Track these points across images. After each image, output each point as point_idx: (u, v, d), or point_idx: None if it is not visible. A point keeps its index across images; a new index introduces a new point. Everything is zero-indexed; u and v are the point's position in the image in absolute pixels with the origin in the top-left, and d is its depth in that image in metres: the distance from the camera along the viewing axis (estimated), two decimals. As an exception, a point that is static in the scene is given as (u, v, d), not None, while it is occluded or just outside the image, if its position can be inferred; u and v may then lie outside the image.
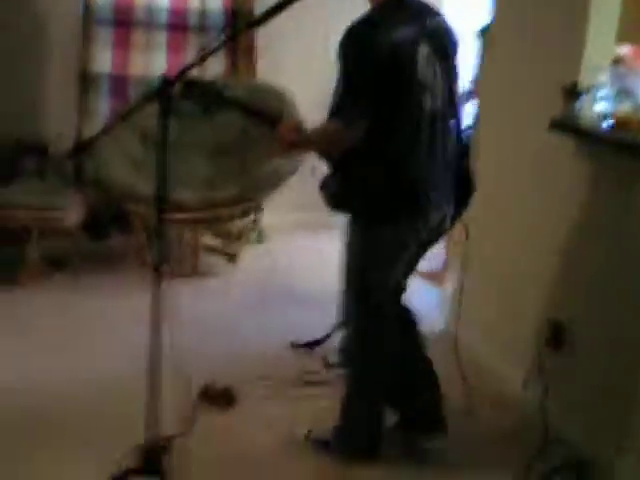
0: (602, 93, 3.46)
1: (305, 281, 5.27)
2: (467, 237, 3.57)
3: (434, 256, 5.37)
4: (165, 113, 2.81)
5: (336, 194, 3.15)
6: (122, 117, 3.01)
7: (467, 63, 5.44)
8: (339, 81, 2.95)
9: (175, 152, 5.32)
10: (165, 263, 3.03)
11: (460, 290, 4.34)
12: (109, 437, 3.39)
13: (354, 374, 3.42)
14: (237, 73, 5.89)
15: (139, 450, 3.07)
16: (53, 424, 3.55)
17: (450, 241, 5.34)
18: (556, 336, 3.69)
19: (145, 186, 5.02)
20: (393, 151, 3.03)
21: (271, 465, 3.39)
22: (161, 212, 2.95)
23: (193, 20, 5.82)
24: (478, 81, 5.19)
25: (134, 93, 5.72)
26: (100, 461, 3.19)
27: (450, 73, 3.15)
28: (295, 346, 4.37)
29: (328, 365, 4.12)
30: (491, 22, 4.43)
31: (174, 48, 5.82)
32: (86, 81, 5.70)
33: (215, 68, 5.69)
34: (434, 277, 5.42)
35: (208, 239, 5.57)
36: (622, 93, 3.46)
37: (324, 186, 3.18)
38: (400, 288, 3.43)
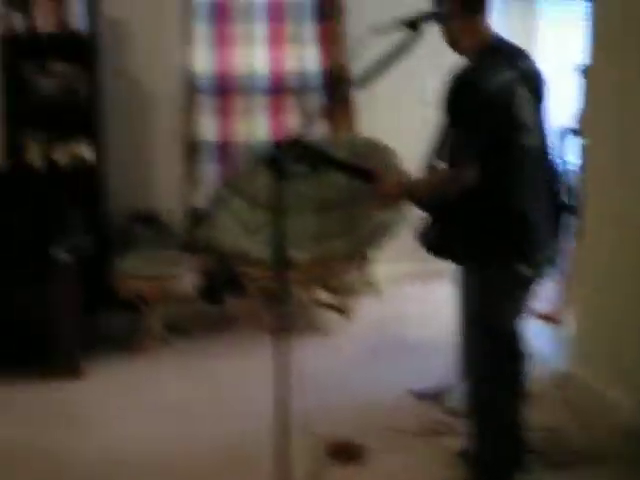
0: None
1: (419, 330, 5.28)
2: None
3: (549, 295, 5.38)
4: (279, 178, 2.89)
5: (441, 240, 3.22)
6: (238, 188, 3.10)
7: (564, 99, 5.44)
8: (449, 127, 3.03)
9: (284, 213, 5.48)
10: (287, 323, 3.08)
11: (577, 328, 4.32)
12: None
13: (484, 420, 3.42)
14: (337, 129, 5.99)
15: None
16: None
17: (565, 279, 5.31)
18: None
19: (256, 249, 5.15)
20: (501, 191, 3.09)
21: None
22: (280, 274, 3.01)
23: (292, 83, 5.96)
24: (581, 117, 5.18)
25: (239, 159, 5.87)
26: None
27: (541, 112, 3.24)
28: (416, 395, 4.37)
29: (452, 413, 4.11)
30: (590, 57, 4.42)
31: (275, 111, 5.96)
32: (192, 150, 5.88)
33: (315, 126, 5.78)
34: (550, 317, 5.38)
35: (320, 295, 5.63)
36: None
37: (424, 236, 3.25)
38: (515, 327, 3.43)
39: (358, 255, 5.26)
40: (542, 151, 3.23)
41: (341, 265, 5.25)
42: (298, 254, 5.05)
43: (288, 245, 5.01)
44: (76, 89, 5.43)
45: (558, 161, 5.68)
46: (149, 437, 4.06)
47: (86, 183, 5.47)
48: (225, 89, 5.88)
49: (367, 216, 5.21)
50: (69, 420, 4.24)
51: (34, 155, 5.41)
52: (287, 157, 3.03)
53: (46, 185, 5.26)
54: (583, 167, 4.85)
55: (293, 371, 3.11)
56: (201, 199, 5.80)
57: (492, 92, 3.00)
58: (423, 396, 4.35)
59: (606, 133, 4.26)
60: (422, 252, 3.35)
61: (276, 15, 5.86)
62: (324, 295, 5.70)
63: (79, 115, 5.46)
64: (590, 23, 4.32)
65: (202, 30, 5.77)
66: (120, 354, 5.01)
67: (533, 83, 3.21)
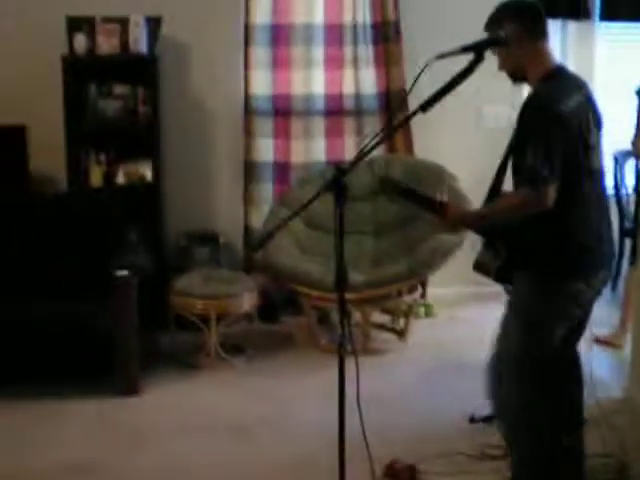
0: None
1: (475, 353, 5.22)
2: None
3: (609, 319, 5.34)
4: (340, 202, 2.91)
5: (504, 264, 3.23)
6: (299, 210, 3.12)
7: (622, 122, 5.42)
8: (524, 149, 3.04)
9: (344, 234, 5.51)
10: (346, 343, 3.10)
11: (633, 353, 4.27)
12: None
13: (530, 450, 3.38)
14: (395, 151, 6.01)
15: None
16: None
17: (626, 303, 5.27)
18: None
19: (313, 269, 5.18)
20: (570, 212, 3.12)
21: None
22: (341, 296, 3.03)
23: (349, 104, 5.99)
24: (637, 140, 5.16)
25: (295, 178, 5.92)
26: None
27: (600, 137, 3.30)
28: (473, 420, 4.35)
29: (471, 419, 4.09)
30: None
31: (332, 133, 6.00)
32: (250, 170, 5.94)
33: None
34: (609, 341, 5.33)
35: (377, 316, 5.64)
36: None
37: (484, 263, 3.27)
38: (569, 350, 3.46)
39: (415, 278, 5.26)
40: (603, 172, 3.29)
41: (397, 287, 5.25)
42: (356, 276, 5.08)
43: (347, 267, 5.05)
44: (137, 110, 5.52)
45: (616, 184, 5.67)
46: (205, 455, 4.10)
47: (146, 203, 5.55)
48: (283, 111, 5.92)
49: (424, 239, 5.22)
50: (126, 436, 4.30)
51: (95, 175, 5.50)
52: (378, 189, 3.09)
53: (107, 205, 5.32)
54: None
55: (349, 392, 3.12)
56: (258, 219, 5.85)
57: (568, 115, 3.06)
58: (478, 420, 4.34)
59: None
60: (477, 275, 3.38)
61: (334, 38, 5.90)
62: (381, 317, 5.71)
63: (140, 136, 5.55)
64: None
65: (261, 53, 5.83)
66: (178, 372, 5.07)
67: (594, 107, 3.26)
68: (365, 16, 5.89)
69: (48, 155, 5.51)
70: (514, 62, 3.21)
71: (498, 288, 3.45)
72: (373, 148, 3.01)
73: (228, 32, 5.81)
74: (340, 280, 3.00)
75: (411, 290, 5.48)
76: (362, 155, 2.99)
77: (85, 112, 5.48)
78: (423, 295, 5.82)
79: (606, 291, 5.45)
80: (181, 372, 5.07)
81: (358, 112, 5.99)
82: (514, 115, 3.25)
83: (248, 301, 5.20)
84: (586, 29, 6.63)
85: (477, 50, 3.03)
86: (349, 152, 5.93)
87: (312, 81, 5.93)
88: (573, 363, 3.52)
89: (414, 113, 2.93)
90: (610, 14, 6.58)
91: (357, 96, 5.98)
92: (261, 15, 5.78)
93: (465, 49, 3.04)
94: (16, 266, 5.02)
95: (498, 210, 3.19)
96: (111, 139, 5.55)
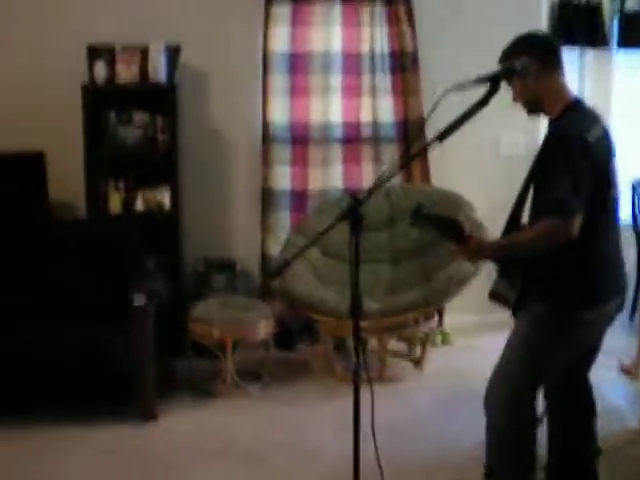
0: None
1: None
2: None
3: (627, 348, 5.32)
4: (356, 231, 2.93)
5: (523, 294, 3.24)
6: (316, 239, 3.15)
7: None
8: (551, 179, 3.05)
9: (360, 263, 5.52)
10: (362, 372, 3.11)
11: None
12: None
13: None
14: (412, 180, 6.03)
15: None
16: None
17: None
18: None
19: (329, 297, 5.19)
20: (589, 243, 3.12)
21: None
22: (357, 324, 3.04)
23: (366, 132, 6.02)
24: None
25: (312, 206, 5.94)
26: None
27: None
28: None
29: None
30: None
31: (349, 161, 6.03)
32: (268, 198, 5.97)
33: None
34: (629, 370, 5.31)
35: (393, 344, 5.63)
36: None
37: (500, 292, 3.29)
38: (580, 379, 3.50)
39: (431, 305, 5.26)
40: (617, 203, 3.31)
41: (414, 315, 5.25)
42: (371, 304, 5.09)
43: (363, 295, 5.06)
44: (156, 138, 5.56)
45: (634, 213, 5.66)
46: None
47: (164, 229, 5.58)
48: (301, 138, 5.96)
49: (441, 267, 5.22)
50: (142, 462, 4.31)
51: (114, 202, 5.54)
52: (408, 222, 3.10)
53: (125, 231, 5.36)
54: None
55: (365, 420, 3.12)
56: (275, 247, 5.87)
57: (594, 145, 3.09)
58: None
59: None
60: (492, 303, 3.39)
61: (352, 66, 5.94)
62: (397, 345, 5.70)
63: (158, 163, 5.60)
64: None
65: (279, 80, 5.87)
66: (195, 398, 5.08)
67: (609, 139, 3.28)
68: (383, 46, 5.93)
69: (67, 182, 5.57)
70: (529, 94, 3.23)
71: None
72: (389, 178, 3.03)
73: (246, 60, 5.86)
74: (355, 308, 3.00)
75: (428, 318, 5.48)
76: (378, 185, 3.02)
77: (104, 139, 5.53)
78: (440, 323, 5.82)
79: (625, 321, 5.48)
80: (197, 399, 5.08)
81: (376, 140, 6.02)
82: (532, 143, 3.28)
83: (264, 328, 5.21)
84: (604, 57, 6.66)
85: (492, 81, 3.05)
86: (366, 180, 5.95)
87: (330, 109, 5.96)
88: (584, 391, 3.52)
89: (430, 143, 2.95)
90: (628, 41, 6.61)
91: (375, 124, 6.01)
92: (279, 43, 5.83)
93: (481, 80, 3.06)
94: (34, 292, 5.04)
95: (520, 241, 3.17)
96: (130, 166, 5.60)
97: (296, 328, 5.86)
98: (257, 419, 4.84)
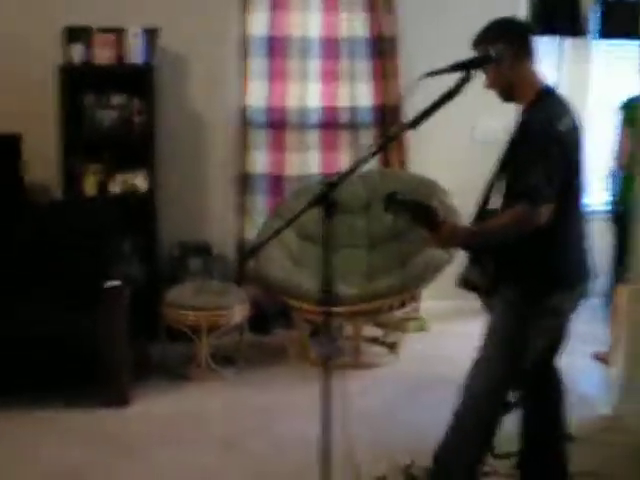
0: None
1: (466, 368, 5.24)
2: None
3: (602, 335, 5.35)
4: (329, 215, 2.92)
5: (490, 279, 3.27)
6: (289, 222, 3.13)
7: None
8: (523, 167, 3.07)
9: (334, 248, 5.51)
10: (332, 357, 3.11)
11: (623, 371, 4.28)
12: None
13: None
14: (388, 165, 6.03)
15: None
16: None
17: (614, 320, 5.28)
18: None
19: (305, 282, 5.19)
20: (559, 230, 3.15)
21: None
22: (327, 310, 3.04)
23: (344, 117, 6.01)
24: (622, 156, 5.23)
25: (290, 190, 5.93)
26: None
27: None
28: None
29: (495, 455, 4.07)
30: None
31: (327, 146, 6.02)
32: (245, 182, 5.95)
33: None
34: (602, 358, 5.35)
35: (369, 330, 5.64)
36: None
37: (470, 279, 3.31)
38: (548, 365, 3.52)
39: (406, 291, 5.27)
40: (583, 191, 3.32)
41: (390, 301, 5.26)
42: (348, 289, 5.09)
43: (339, 280, 5.07)
44: (133, 121, 5.54)
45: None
46: (193, 466, 4.10)
47: (140, 212, 5.55)
48: (278, 123, 5.94)
49: (417, 253, 5.23)
50: (114, 447, 4.30)
51: (90, 185, 5.51)
52: (382, 208, 3.08)
53: (101, 214, 5.33)
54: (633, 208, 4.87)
55: (339, 404, 3.13)
56: (252, 231, 5.86)
57: (565, 134, 3.11)
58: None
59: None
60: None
61: (330, 51, 5.93)
62: (372, 330, 5.71)
63: (135, 146, 5.57)
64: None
65: (257, 65, 5.85)
66: (169, 383, 5.07)
67: (578, 127, 3.28)
68: (362, 31, 5.92)
69: (43, 164, 5.53)
70: (503, 81, 3.22)
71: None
72: (361, 164, 3.02)
73: (225, 44, 5.83)
74: (327, 294, 3.00)
75: (403, 304, 5.48)
76: (351, 170, 3.00)
77: (81, 122, 5.50)
78: (416, 309, 5.83)
79: (599, 308, 5.51)
80: (171, 383, 5.07)
81: (353, 125, 6.01)
82: (507, 129, 3.28)
83: (239, 313, 5.20)
84: (583, 46, 6.69)
85: (467, 68, 3.04)
86: (344, 165, 5.95)
87: (308, 94, 5.95)
88: (553, 378, 3.55)
89: (403, 130, 2.94)
90: (607, 31, 6.64)
91: (353, 109, 6.00)
92: (258, 27, 5.81)
93: (455, 67, 3.05)
94: (8, 274, 5.01)
95: (492, 228, 3.17)
96: (106, 149, 5.57)
97: (272, 313, 5.85)
98: (231, 403, 4.84)
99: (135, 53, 5.43)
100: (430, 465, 3.46)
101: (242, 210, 5.98)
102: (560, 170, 3.07)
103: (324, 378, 3.06)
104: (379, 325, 5.69)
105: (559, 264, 3.22)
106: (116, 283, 4.72)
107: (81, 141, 5.50)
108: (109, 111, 5.52)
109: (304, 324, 5.46)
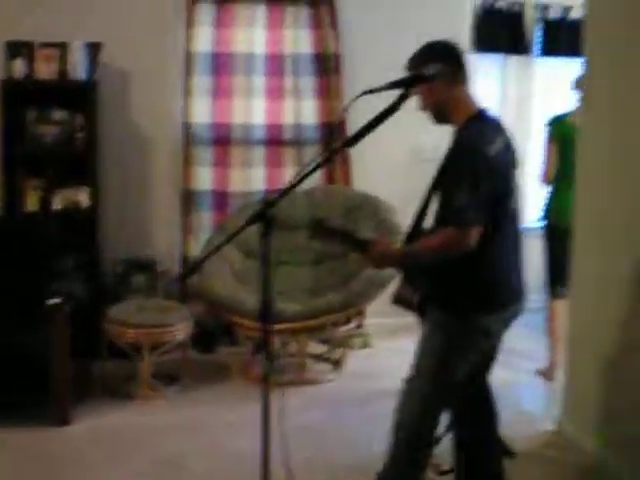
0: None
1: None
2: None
3: (544, 352, 5.40)
4: (266, 234, 2.92)
5: (426, 298, 3.30)
6: (228, 239, 3.12)
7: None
8: (451, 190, 3.08)
9: (278, 265, 5.52)
10: (272, 373, 3.10)
11: (565, 386, 4.31)
12: None
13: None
14: (333, 182, 6.04)
15: None
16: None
17: (551, 336, 5.34)
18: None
19: (248, 299, 5.17)
20: (487, 252, 3.14)
21: None
22: (267, 326, 3.03)
23: (289, 134, 6.02)
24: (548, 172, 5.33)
25: (234, 207, 5.91)
26: None
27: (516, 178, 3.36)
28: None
29: (441, 472, 4.08)
30: (582, 115, 4.49)
31: (271, 163, 6.03)
32: (189, 198, 5.93)
33: (313, 178, 5.76)
34: (544, 373, 5.40)
35: (313, 346, 5.64)
36: None
37: (404, 297, 3.33)
38: (479, 383, 3.53)
39: (350, 308, 5.27)
40: (518, 213, 3.34)
41: (334, 318, 5.26)
42: (291, 306, 5.08)
43: (283, 297, 5.06)
44: (75, 136, 5.49)
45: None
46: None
47: (82, 229, 5.51)
48: (223, 139, 5.94)
49: (360, 269, 5.24)
50: (55, 465, 4.23)
51: (32, 201, 5.45)
52: (307, 235, 3.10)
53: (42, 230, 5.27)
54: (561, 223, 4.98)
55: (281, 422, 3.12)
56: (196, 247, 5.83)
57: (494, 157, 3.11)
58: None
59: (594, 192, 4.29)
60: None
61: (275, 68, 5.95)
62: (318, 347, 5.71)
63: (77, 162, 5.52)
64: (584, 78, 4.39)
65: (202, 81, 5.85)
66: (111, 402, 5.01)
67: (512, 150, 3.32)
68: (306, 48, 5.95)
69: (-17, 179, 5.47)
70: (436, 102, 3.23)
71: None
72: (300, 182, 3.02)
73: (169, 59, 5.83)
74: (266, 311, 2.99)
75: (348, 320, 5.49)
76: (290, 188, 3.00)
77: (23, 137, 5.45)
78: (360, 325, 5.84)
79: (539, 324, 5.56)
80: (113, 401, 5.01)
81: (298, 142, 6.03)
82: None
83: (182, 330, 5.16)
84: (526, 63, 6.78)
85: (404, 87, 3.06)
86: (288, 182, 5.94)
87: (252, 110, 5.96)
88: (485, 397, 3.56)
89: (340, 148, 2.95)
90: (549, 49, 6.74)
91: (297, 126, 6.02)
92: (202, 44, 5.81)
93: (392, 85, 3.06)
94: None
95: (421, 250, 3.20)
96: (48, 164, 5.52)
97: (216, 330, 5.83)
98: (173, 422, 4.79)
99: (78, 68, 5.40)
100: None
101: (187, 226, 5.95)
102: (488, 194, 3.07)
103: (263, 395, 3.04)
104: (324, 342, 5.69)
105: (488, 285, 3.23)
106: (57, 300, 4.66)
107: (23, 157, 5.45)
108: (51, 126, 5.48)
109: (248, 341, 5.44)
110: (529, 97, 6.88)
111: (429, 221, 3.29)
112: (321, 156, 5.71)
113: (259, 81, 5.93)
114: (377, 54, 5.94)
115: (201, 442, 4.53)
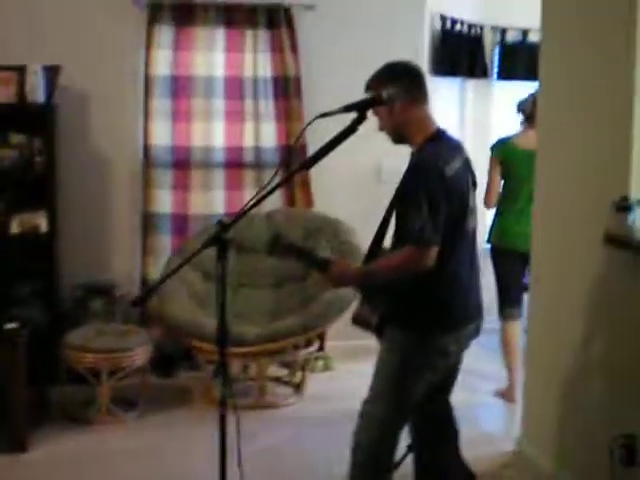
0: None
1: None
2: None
3: (501, 373, 5.42)
4: (222, 257, 2.91)
5: (384, 318, 3.31)
6: (184, 262, 3.12)
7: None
8: (409, 209, 3.10)
9: (237, 287, 5.50)
10: (230, 397, 3.09)
11: (524, 408, 4.32)
12: None
13: None
14: (293, 204, 6.04)
15: None
16: None
17: (509, 357, 5.37)
18: (629, 452, 3.61)
19: (208, 322, 5.14)
20: (444, 272, 3.17)
21: None
22: (223, 350, 3.02)
23: (248, 157, 6.01)
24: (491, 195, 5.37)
25: (194, 231, 5.89)
26: None
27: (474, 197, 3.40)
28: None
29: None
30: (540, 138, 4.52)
31: (231, 186, 6.01)
32: (148, 221, 5.90)
33: (273, 201, 5.80)
34: (503, 394, 5.42)
35: (273, 370, 5.62)
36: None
37: (363, 317, 3.34)
38: (440, 403, 3.55)
39: (310, 331, 5.26)
40: (475, 233, 3.38)
41: (294, 340, 5.24)
42: (250, 330, 5.06)
43: (243, 320, 5.04)
44: (33, 160, 5.45)
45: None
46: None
47: (41, 254, 5.45)
48: (183, 162, 5.92)
49: (320, 292, 5.23)
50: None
51: (-12, 225, 5.40)
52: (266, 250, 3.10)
53: (0, 255, 5.23)
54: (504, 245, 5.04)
55: (241, 446, 3.12)
56: (156, 271, 5.80)
57: (451, 177, 3.14)
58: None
59: (550, 213, 4.32)
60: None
61: (234, 91, 5.94)
62: (277, 370, 5.69)
63: (36, 186, 5.46)
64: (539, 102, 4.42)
65: (161, 104, 5.83)
66: (69, 427, 4.95)
67: (470, 169, 3.37)
68: (266, 71, 5.96)
69: (-60, 203, 5.40)
70: (395, 123, 3.26)
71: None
72: (255, 205, 3.02)
73: (128, 82, 5.82)
74: (222, 334, 2.98)
75: (309, 343, 5.48)
76: (245, 210, 3.00)
77: (-21, 161, 5.40)
78: (321, 348, 5.83)
79: (497, 345, 5.57)
80: (71, 427, 4.96)
81: (258, 165, 6.02)
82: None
83: (141, 355, 5.12)
84: (484, 87, 6.85)
85: (360, 109, 3.07)
86: (243, 205, 5.93)
87: (212, 133, 5.95)
88: (446, 417, 3.57)
89: (296, 170, 2.96)
90: (507, 73, 6.81)
91: (257, 149, 6.01)
92: (162, 67, 5.81)
93: (348, 108, 3.08)
94: None
95: (379, 269, 3.22)
96: (6, 188, 5.46)
97: (175, 354, 5.79)
98: (132, 447, 4.75)
99: (36, 91, 5.34)
100: None
101: (146, 250, 5.92)
102: (445, 213, 3.10)
103: (220, 419, 3.03)
104: (284, 365, 5.68)
105: (445, 304, 3.26)
106: (14, 325, 4.61)
107: (-21, 181, 5.40)
108: (9, 150, 5.43)
109: (208, 365, 5.40)
110: (487, 120, 6.94)
111: (388, 241, 3.31)
112: (278, 179, 5.70)
113: (219, 104, 5.93)
114: (337, 77, 5.95)
115: (159, 467, 4.50)
